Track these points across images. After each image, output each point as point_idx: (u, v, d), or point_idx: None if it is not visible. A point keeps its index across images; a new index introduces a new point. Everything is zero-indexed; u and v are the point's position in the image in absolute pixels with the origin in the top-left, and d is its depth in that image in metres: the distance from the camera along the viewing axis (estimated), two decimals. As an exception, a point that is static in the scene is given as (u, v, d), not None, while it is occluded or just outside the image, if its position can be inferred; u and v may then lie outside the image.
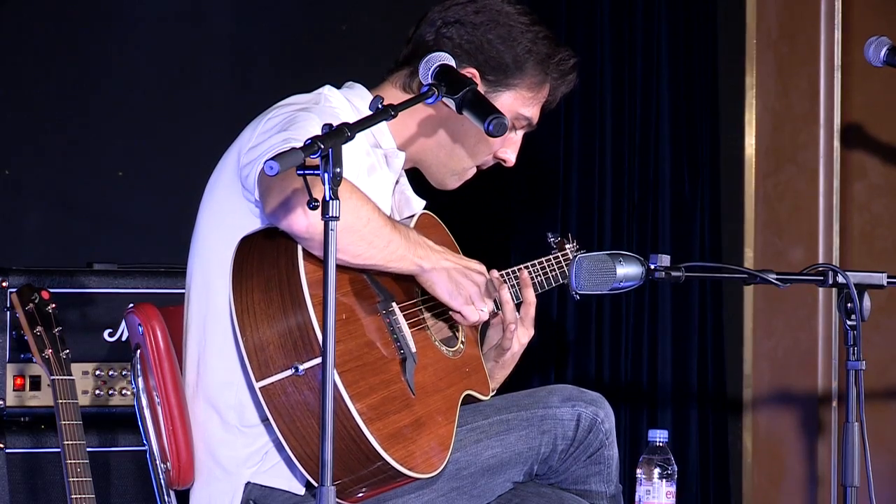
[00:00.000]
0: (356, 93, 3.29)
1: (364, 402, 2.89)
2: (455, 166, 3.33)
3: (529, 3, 3.38)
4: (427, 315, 3.22)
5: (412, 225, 3.28)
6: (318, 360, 2.86)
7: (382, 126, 3.24)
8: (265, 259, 2.94)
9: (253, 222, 3.04)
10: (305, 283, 2.88)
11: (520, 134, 3.37)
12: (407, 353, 3.05)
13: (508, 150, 3.36)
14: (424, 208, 3.37)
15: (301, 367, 2.88)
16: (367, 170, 3.19)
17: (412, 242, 3.05)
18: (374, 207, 2.96)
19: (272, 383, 2.91)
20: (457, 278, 3.13)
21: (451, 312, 3.21)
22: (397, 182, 3.33)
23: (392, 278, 3.12)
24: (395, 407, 2.96)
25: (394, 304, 3.09)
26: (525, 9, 3.32)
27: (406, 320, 3.12)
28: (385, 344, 3.03)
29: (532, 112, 3.34)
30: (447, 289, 3.13)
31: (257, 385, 2.91)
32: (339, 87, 3.30)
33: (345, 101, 3.25)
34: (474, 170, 3.37)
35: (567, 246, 3.57)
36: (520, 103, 3.30)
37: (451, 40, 3.25)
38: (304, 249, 2.90)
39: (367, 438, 2.87)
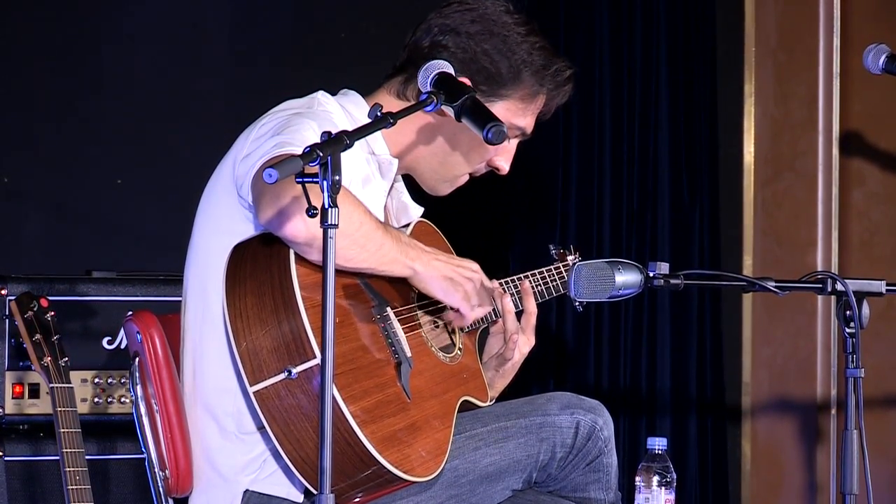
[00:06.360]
0: (350, 99, 3.29)
1: (358, 404, 2.89)
2: (447, 173, 3.33)
3: (528, 14, 3.37)
4: (423, 321, 3.22)
5: (408, 233, 3.28)
6: (311, 364, 2.87)
7: (377, 133, 3.23)
8: (258, 264, 2.95)
9: (249, 229, 3.04)
10: (297, 287, 2.88)
11: (513, 143, 3.36)
12: (402, 358, 3.06)
13: (501, 158, 3.35)
14: (422, 215, 3.37)
15: (294, 371, 2.88)
16: (363, 181, 3.19)
17: (403, 245, 3.05)
18: (366, 211, 2.96)
19: (266, 387, 2.91)
20: (450, 275, 3.13)
21: (447, 312, 3.20)
22: (391, 188, 3.33)
23: (387, 283, 3.12)
24: (389, 410, 2.96)
25: (388, 309, 3.10)
26: (523, 18, 3.31)
27: (401, 325, 3.12)
28: (379, 348, 3.03)
29: (526, 122, 3.33)
30: (441, 287, 3.12)
31: (251, 390, 2.92)
32: (335, 94, 3.30)
33: (338, 107, 3.24)
34: (467, 177, 3.36)
35: (569, 257, 3.57)
36: (513, 113, 3.28)
37: (447, 48, 3.24)
38: (295, 254, 2.91)
39: (361, 441, 2.87)
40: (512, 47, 3.26)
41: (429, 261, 3.09)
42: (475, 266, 3.20)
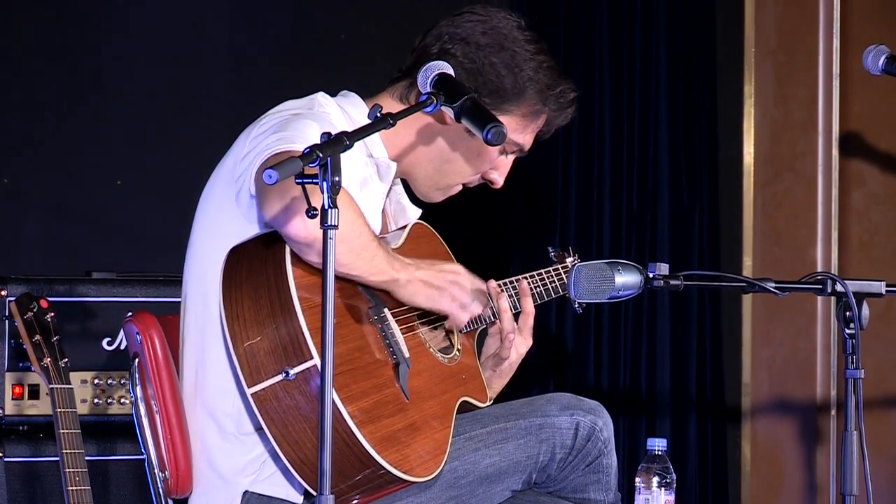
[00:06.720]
0: (350, 101, 3.29)
1: (356, 405, 2.89)
2: (441, 181, 3.32)
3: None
4: (421, 322, 3.22)
5: (405, 234, 3.29)
6: (308, 364, 2.87)
7: (375, 135, 3.22)
8: (253, 267, 2.95)
9: (248, 230, 3.04)
10: (294, 288, 2.88)
11: (510, 158, 3.36)
12: (400, 358, 3.06)
13: (497, 172, 3.35)
14: (421, 217, 3.37)
15: (291, 372, 2.88)
16: (361, 183, 3.19)
17: (391, 257, 3.05)
18: (365, 221, 2.97)
19: (263, 389, 2.91)
20: (434, 283, 3.12)
21: (444, 322, 3.21)
22: (389, 191, 3.33)
23: (384, 285, 3.13)
24: (388, 411, 2.96)
25: (385, 309, 3.10)
26: (533, 36, 3.30)
27: (399, 326, 3.12)
28: (377, 349, 3.03)
29: (524, 139, 3.32)
30: (427, 295, 3.11)
31: (249, 391, 2.92)
32: (334, 95, 3.29)
33: (338, 109, 3.24)
34: (460, 187, 3.36)
35: (567, 259, 3.57)
36: (512, 129, 3.25)
37: (455, 57, 3.22)
38: (291, 255, 2.91)
39: (359, 441, 2.87)
40: (520, 63, 3.25)
41: (412, 272, 3.09)
42: (458, 268, 3.19)
